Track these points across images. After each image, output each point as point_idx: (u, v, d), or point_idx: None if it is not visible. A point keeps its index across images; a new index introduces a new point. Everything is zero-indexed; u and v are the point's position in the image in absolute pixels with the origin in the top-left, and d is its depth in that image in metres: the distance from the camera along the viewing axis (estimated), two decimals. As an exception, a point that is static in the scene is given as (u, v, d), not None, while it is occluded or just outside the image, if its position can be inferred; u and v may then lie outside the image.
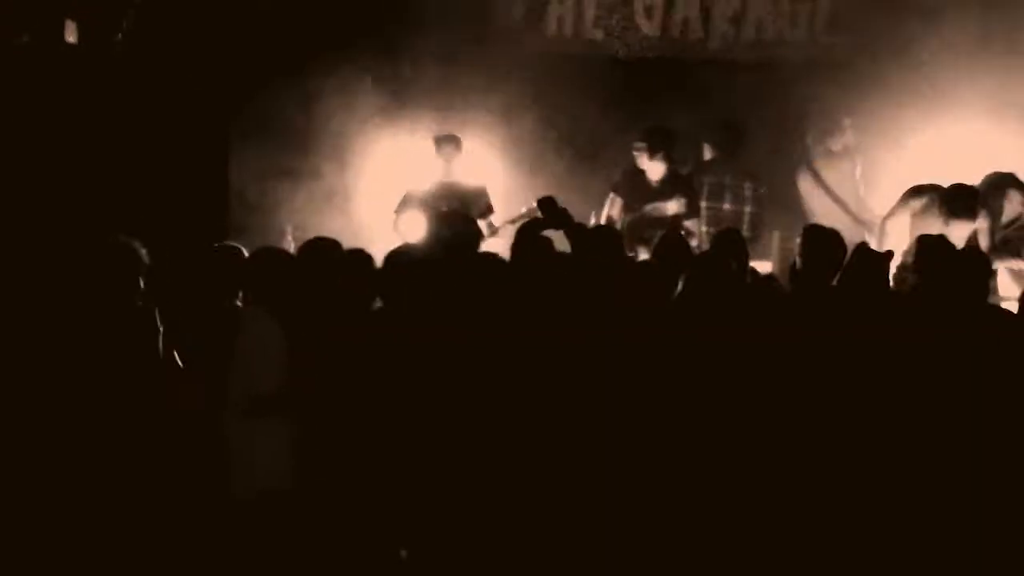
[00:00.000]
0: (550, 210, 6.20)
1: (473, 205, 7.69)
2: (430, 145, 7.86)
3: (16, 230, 6.61)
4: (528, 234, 5.68)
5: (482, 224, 7.57)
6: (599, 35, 9.05)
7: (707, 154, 8.18)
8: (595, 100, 8.50)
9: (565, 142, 8.60)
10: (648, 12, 9.00)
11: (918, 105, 8.18)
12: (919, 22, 8.14)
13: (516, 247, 5.63)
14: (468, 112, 8.23)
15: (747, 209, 8.01)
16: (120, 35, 7.16)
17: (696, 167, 8.17)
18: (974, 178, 7.46)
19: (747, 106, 8.39)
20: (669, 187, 7.70)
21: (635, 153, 7.75)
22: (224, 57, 7.84)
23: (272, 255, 4.95)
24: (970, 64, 7.97)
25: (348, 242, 6.11)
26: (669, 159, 7.74)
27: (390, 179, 8.20)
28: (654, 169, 7.73)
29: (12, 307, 4.99)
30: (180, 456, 4.65)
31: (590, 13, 9.02)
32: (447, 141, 7.80)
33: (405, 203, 7.73)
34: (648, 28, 9.04)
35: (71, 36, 7.01)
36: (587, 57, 8.91)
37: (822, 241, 5.31)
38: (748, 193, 8.03)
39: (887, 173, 8.38)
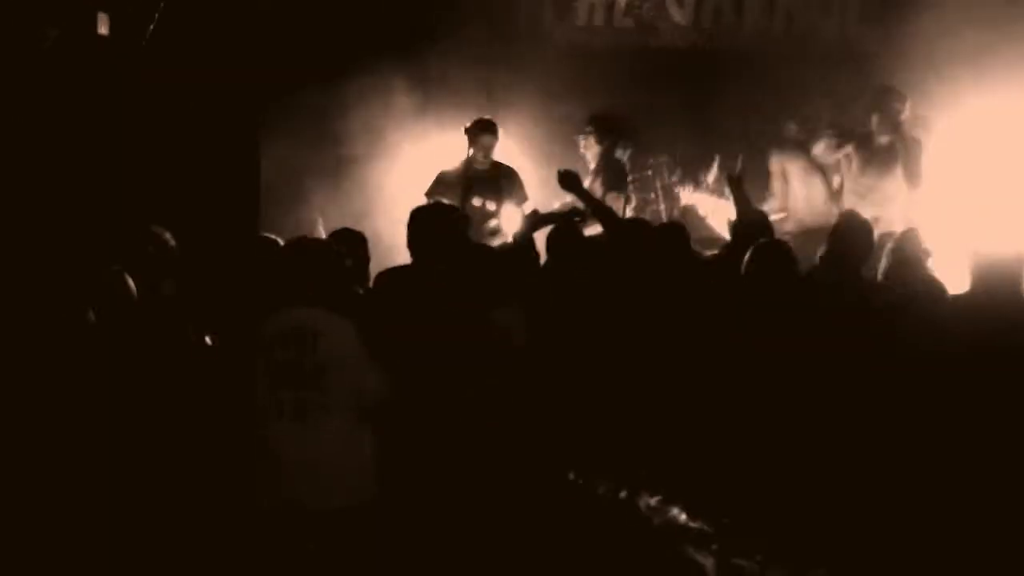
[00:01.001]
0: (574, 186, 6.26)
1: (507, 192, 7.66)
2: (461, 136, 7.80)
3: (46, 222, 6.61)
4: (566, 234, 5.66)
5: (516, 211, 7.56)
6: (630, 24, 9.00)
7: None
8: (626, 90, 8.46)
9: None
10: (680, 1, 8.94)
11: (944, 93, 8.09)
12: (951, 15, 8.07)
13: (554, 246, 5.62)
14: (499, 104, 8.18)
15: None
16: (152, 27, 7.15)
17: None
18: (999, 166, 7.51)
19: (778, 95, 8.33)
20: (600, 173, 7.78)
21: (582, 139, 7.92)
22: (255, 50, 7.82)
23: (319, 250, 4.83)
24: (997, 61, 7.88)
25: (381, 232, 6.13)
26: (607, 146, 7.87)
27: (421, 171, 8.16)
28: (593, 154, 7.89)
29: (40, 298, 4.98)
30: (211, 452, 4.61)
31: (621, 2, 8.95)
32: (482, 128, 7.74)
33: (435, 188, 7.68)
34: (680, 17, 8.98)
35: (103, 28, 7.00)
36: (618, 47, 8.85)
37: (853, 230, 5.33)
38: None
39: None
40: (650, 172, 8.48)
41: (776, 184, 8.01)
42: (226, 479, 4.52)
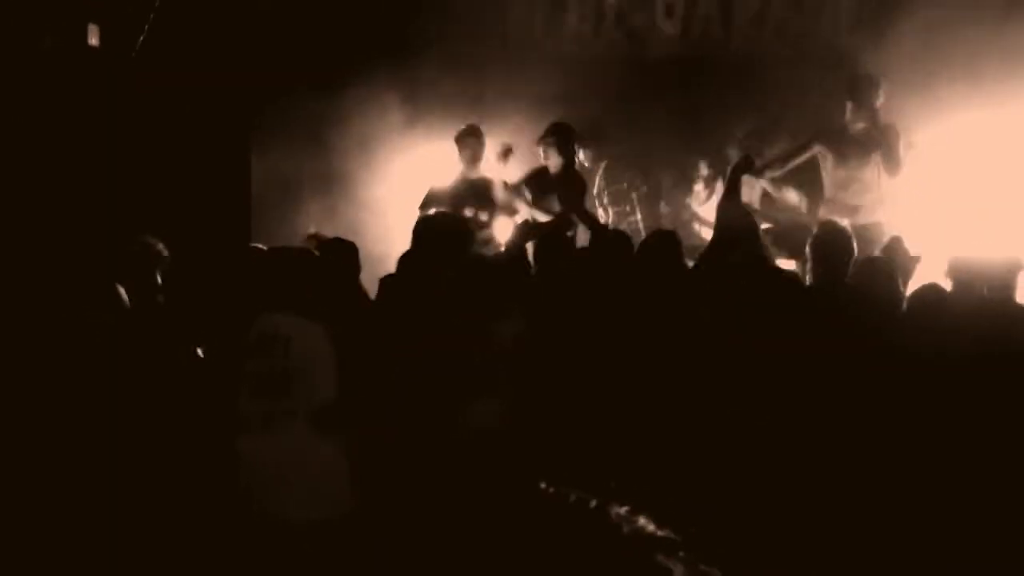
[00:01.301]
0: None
1: (498, 203, 7.67)
2: (452, 147, 7.82)
3: (39, 231, 6.63)
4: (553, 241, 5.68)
5: (507, 221, 7.57)
6: (619, 36, 9.02)
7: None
8: (617, 101, 8.48)
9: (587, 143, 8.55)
10: (669, 12, 8.96)
11: (939, 101, 8.08)
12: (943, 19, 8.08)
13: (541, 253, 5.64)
14: (490, 116, 8.18)
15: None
16: (142, 38, 7.17)
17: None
18: (996, 171, 7.50)
19: (769, 105, 8.34)
20: (565, 181, 7.72)
21: (542, 148, 7.80)
22: (246, 60, 7.85)
23: (300, 258, 4.86)
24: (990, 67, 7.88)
25: (373, 244, 6.14)
26: (567, 155, 7.79)
27: (413, 182, 8.17)
28: (554, 163, 7.76)
29: (33, 305, 4.99)
30: (201, 460, 4.61)
31: (610, 14, 8.98)
32: (468, 135, 7.76)
33: (428, 201, 7.69)
34: (669, 28, 9.00)
35: (94, 39, 7.03)
36: (608, 57, 8.86)
37: (832, 240, 5.36)
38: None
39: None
40: (625, 184, 8.51)
41: None
42: (211, 490, 4.52)
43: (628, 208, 8.49)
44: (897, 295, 5.25)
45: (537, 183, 7.70)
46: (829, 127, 7.68)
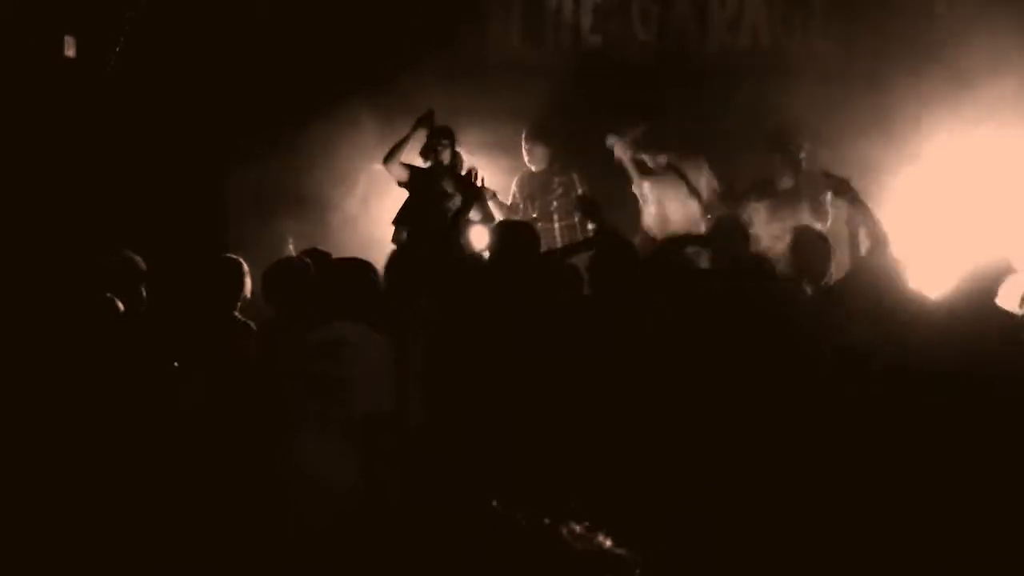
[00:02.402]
0: (590, 210, 6.35)
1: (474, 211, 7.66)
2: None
3: (16, 242, 6.62)
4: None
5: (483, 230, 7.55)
6: (597, 42, 9.04)
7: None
8: (596, 110, 8.47)
9: (568, 154, 8.53)
10: (644, 19, 8.99)
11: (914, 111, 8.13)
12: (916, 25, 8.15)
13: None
14: (470, 131, 8.17)
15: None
16: (118, 48, 7.17)
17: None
18: (977, 183, 7.54)
19: (743, 112, 8.37)
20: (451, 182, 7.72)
21: (439, 148, 7.84)
22: (223, 72, 7.85)
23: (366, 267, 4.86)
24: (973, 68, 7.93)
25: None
26: (457, 157, 7.88)
27: (391, 195, 8.16)
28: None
29: (13, 318, 4.99)
30: (186, 462, 4.60)
31: (587, 21, 9.00)
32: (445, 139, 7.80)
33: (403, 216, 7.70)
34: (644, 35, 9.04)
35: (70, 51, 7.03)
36: (585, 67, 8.85)
37: (810, 243, 5.39)
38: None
39: (885, 184, 8.31)
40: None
41: None
42: (233, 492, 4.50)
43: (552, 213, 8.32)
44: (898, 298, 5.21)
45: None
46: (760, 182, 7.71)
